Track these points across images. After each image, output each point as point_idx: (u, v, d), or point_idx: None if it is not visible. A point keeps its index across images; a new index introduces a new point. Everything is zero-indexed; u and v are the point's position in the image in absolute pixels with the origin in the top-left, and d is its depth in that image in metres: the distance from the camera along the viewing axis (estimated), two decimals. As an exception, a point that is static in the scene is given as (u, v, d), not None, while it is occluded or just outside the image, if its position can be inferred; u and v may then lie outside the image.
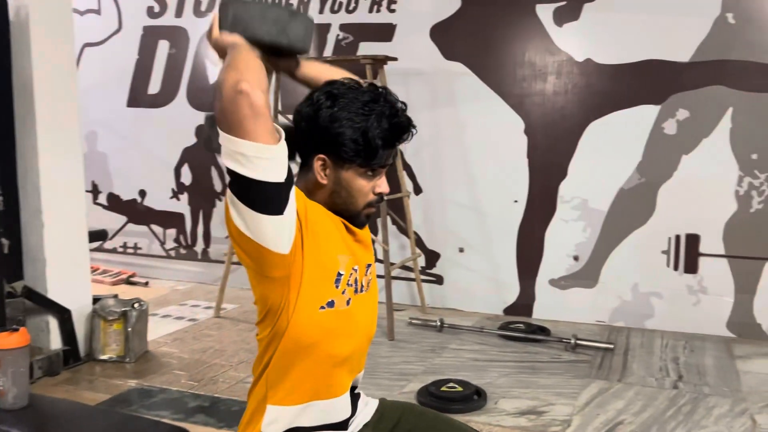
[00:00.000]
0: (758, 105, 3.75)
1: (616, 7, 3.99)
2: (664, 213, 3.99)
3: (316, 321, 1.28)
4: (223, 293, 4.43)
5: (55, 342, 3.43)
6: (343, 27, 4.68)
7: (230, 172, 1.15)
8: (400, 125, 1.30)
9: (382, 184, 1.34)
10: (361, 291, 1.37)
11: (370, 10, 4.58)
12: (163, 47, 5.26)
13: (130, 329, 3.52)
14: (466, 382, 3.06)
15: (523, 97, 4.25)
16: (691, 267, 3.99)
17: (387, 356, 3.63)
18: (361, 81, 1.34)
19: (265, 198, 1.15)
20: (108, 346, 3.52)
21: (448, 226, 4.54)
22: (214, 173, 5.20)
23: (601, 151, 4.08)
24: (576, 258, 4.23)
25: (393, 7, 4.52)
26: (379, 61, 4.13)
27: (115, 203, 5.60)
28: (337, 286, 1.30)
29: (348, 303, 1.32)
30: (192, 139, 5.22)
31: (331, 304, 1.29)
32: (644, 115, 3.96)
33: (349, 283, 1.33)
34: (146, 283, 5.23)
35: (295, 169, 1.31)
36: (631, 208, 4.06)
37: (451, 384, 3.03)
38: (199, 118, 5.15)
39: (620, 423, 2.76)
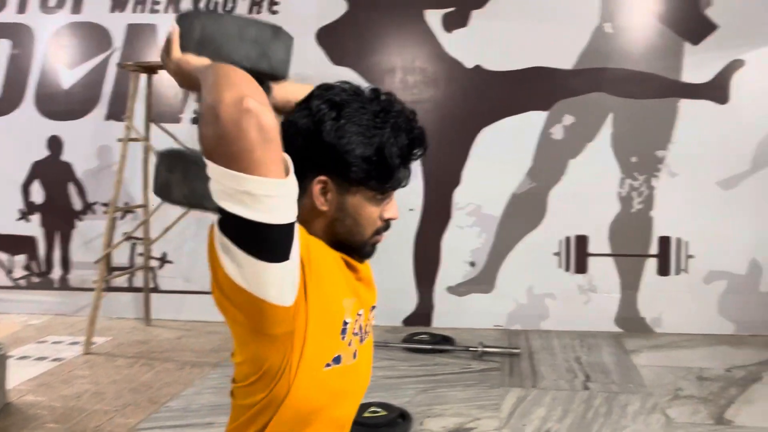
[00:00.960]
0: (635, 110, 3.97)
1: (503, 14, 4.04)
2: (554, 216, 4.10)
3: (320, 382, 1.03)
4: (94, 325, 3.90)
5: None
6: (220, 28, 4.34)
7: (227, 215, 0.88)
8: (419, 139, 1.08)
9: (392, 209, 1.11)
10: (365, 338, 1.14)
11: (250, 11, 4.28)
12: (3, 47, 4.56)
13: (-15, 380, 2.95)
14: (388, 404, 2.90)
15: (415, 104, 4.16)
16: (581, 267, 4.14)
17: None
18: (359, 86, 1.11)
19: (273, 243, 0.89)
20: (-44, 402, 2.93)
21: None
22: (71, 190, 4.60)
23: (492, 158, 4.11)
24: (473, 264, 4.23)
25: (275, 8, 4.26)
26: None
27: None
28: (343, 338, 1.06)
29: (355, 356, 1.09)
30: (43, 152, 4.58)
31: (337, 360, 1.05)
32: (533, 121, 4.05)
33: (355, 331, 1.09)
34: (-9, 320, 4.50)
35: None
36: (523, 213, 4.14)
37: (372, 408, 2.85)
38: (52, 127, 4.54)
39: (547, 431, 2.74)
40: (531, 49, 4.02)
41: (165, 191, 1.02)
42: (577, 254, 4.13)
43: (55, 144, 4.59)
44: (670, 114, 3.95)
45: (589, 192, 4.05)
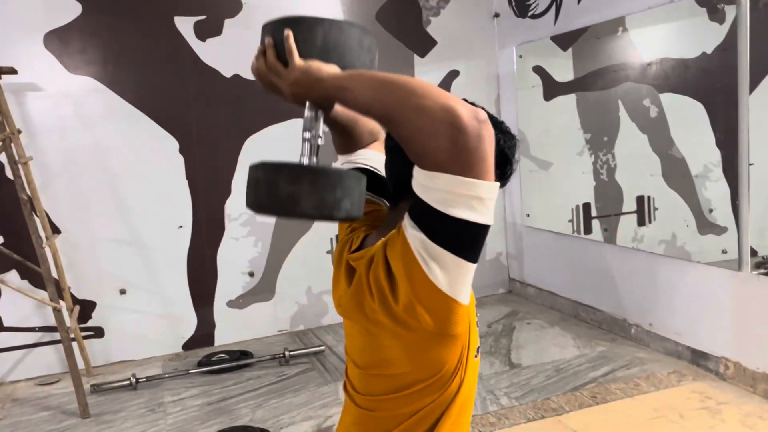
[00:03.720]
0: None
1: (255, 23, 4.07)
2: (323, 217, 4.32)
3: (473, 372, 1.09)
4: None
5: None
6: None
7: (451, 223, 0.90)
8: (516, 140, 1.18)
9: None
10: None
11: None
12: None
13: None
14: (245, 426, 2.77)
15: (174, 117, 3.94)
16: (351, 261, 4.45)
17: (104, 437, 2.93)
18: None
19: (481, 244, 0.95)
20: None
21: (102, 267, 3.87)
22: None
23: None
24: (251, 274, 4.20)
25: (-13, 5, 3.55)
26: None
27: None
28: (477, 328, 1.13)
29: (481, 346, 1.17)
30: None
31: (478, 350, 1.12)
32: (297, 127, 4.20)
33: (477, 322, 1.16)
34: None
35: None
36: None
37: (229, 435, 2.70)
38: None
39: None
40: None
41: (290, 204, 0.96)
42: (347, 250, 4.43)
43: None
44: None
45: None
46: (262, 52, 1.04)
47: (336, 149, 1.37)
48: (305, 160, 1.05)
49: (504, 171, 1.16)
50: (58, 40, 3.68)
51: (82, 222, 3.81)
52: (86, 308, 3.88)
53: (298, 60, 1.00)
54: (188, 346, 4.08)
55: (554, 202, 4.38)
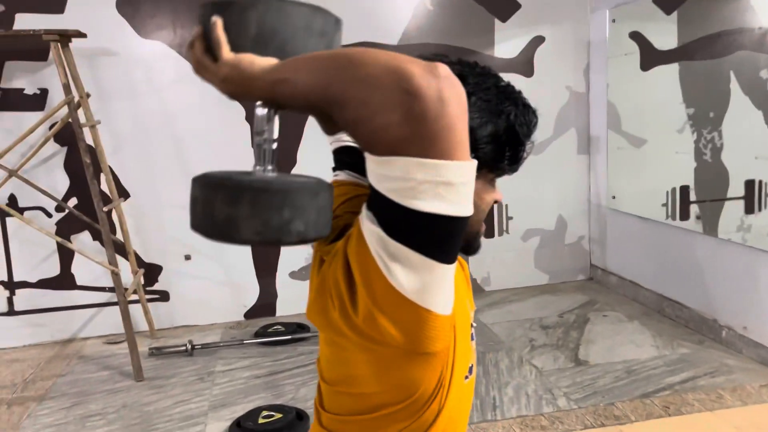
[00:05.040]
0: (457, 85, 4.16)
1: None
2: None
3: (462, 396, 0.91)
4: None
5: None
6: (-11, -9, 3.55)
7: (414, 217, 0.69)
8: (536, 115, 0.96)
9: (498, 192, 1.00)
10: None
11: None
12: None
13: None
14: (280, 405, 2.70)
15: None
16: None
17: (151, 402, 2.96)
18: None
19: (457, 241, 0.74)
20: None
21: (168, 233, 3.91)
22: None
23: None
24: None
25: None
26: (66, 38, 3.26)
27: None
28: (472, 343, 0.95)
29: (478, 362, 0.97)
30: None
31: (471, 369, 0.93)
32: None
33: (473, 336, 0.97)
34: None
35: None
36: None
37: (265, 413, 2.62)
38: None
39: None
40: (358, 24, 3.98)
41: (227, 230, 0.77)
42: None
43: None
44: (486, 87, 4.22)
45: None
46: (191, 44, 0.86)
47: (323, 131, 1.19)
48: (258, 170, 0.86)
49: (514, 154, 0.94)
50: (130, 4, 3.69)
51: (149, 187, 3.86)
52: (153, 272, 3.95)
53: (226, 54, 0.80)
54: (250, 315, 4.08)
55: (646, 183, 3.95)
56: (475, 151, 0.89)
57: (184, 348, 3.48)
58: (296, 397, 2.91)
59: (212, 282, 4.01)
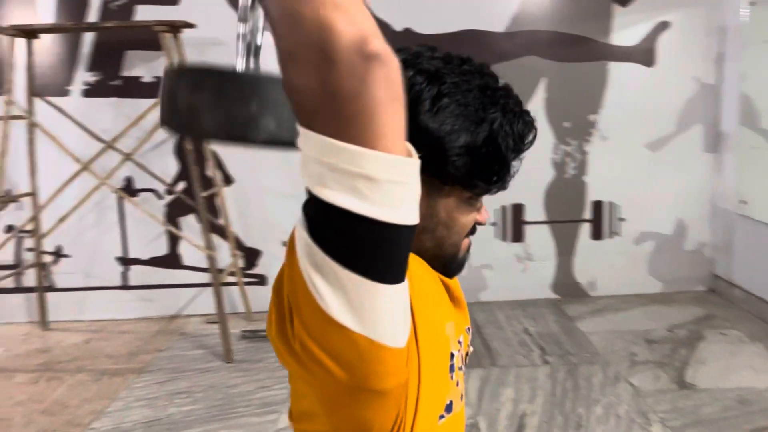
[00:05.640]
0: (568, 74, 3.90)
1: (432, -27, 3.80)
2: (491, 185, 3.98)
3: None
4: (-17, 338, 3.33)
5: None
6: (113, -15, 3.78)
7: (330, 212, 0.57)
8: (532, 126, 0.84)
9: (483, 211, 0.88)
10: (463, 372, 0.90)
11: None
12: None
13: None
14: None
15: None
16: (518, 235, 4.07)
17: (235, 384, 3.04)
18: (448, 52, 0.83)
19: (393, 254, 0.60)
20: None
21: (269, 219, 4.01)
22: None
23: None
24: (409, 239, 4.04)
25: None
26: (176, 28, 3.39)
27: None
28: (452, 377, 0.81)
29: (462, 398, 0.84)
30: None
31: (449, 407, 0.80)
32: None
33: (460, 366, 0.85)
34: None
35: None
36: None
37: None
38: None
39: (524, 415, 2.63)
40: (462, 10, 3.82)
41: (189, 119, 0.69)
42: (514, 223, 4.05)
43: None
44: (600, 77, 3.92)
45: (525, 159, 3.94)
46: None
47: None
48: (238, 65, 0.79)
49: (493, 170, 0.80)
50: (239, -5, 3.78)
51: (252, 173, 3.96)
52: (252, 256, 4.07)
53: None
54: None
55: (781, 188, 3.50)
56: (445, 163, 0.78)
57: (274, 333, 3.55)
58: (373, 393, 2.87)
59: (308, 269, 4.06)
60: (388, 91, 0.55)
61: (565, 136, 3.98)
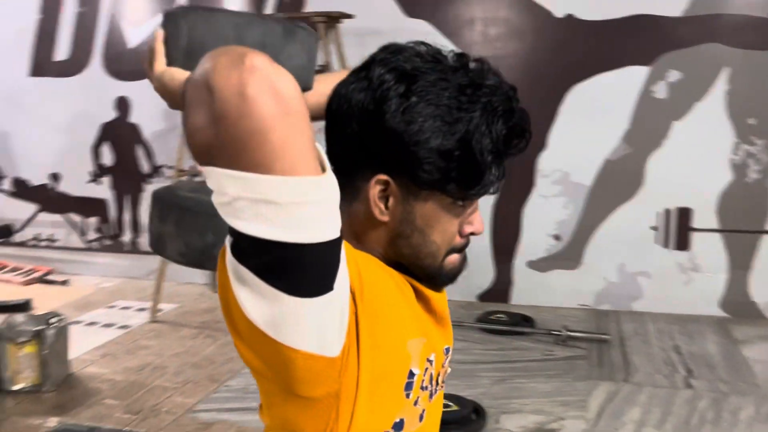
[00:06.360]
0: (756, 64, 3.41)
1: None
2: (653, 186, 3.63)
3: None
4: (160, 293, 3.81)
5: (-50, 375, 2.77)
6: (286, -21, 4.06)
7: (241, 236, 0.60)
8: (520, 128, 0.76)
9: (475, 221, 0.82)
10: (435, 393, 0.85)
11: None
12: (70, 5, 4.46)
13: (46, 352, 2.88)
14: (460, 397, 2.63)
15: (497, 59, 3.72)
16: (683, 243, 3.67)
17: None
18: (440, 49, 0.78)
19: (309, 271, 0.61)
20: (20, 373, 2.88)
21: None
22: (139, 152, 4.51)
23: (583, 119, 3.66)
24: (557, 237, 3.84)
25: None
26: (334, 19, 3.56)
27: (22, 189, 4.82)
28: (408, 395, 0.77)
29: (421, 418, 0.80)
30: (111, 113, 4.50)
31: (399, 426, 0.77)
32: (632, 77, 3.57)
33: (424, 385, 0.80)
34: (65, 282, 4.51)
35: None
36: (617, 181, 3.69)
37: (443, 401, 2.58)
38: (120, 88, 4.43)
39: (644, 439, 2.40)
40: (632, -7, 3.51)
41: (159, 246, 0.76)
42: (679, 229, 3.66)
43: (122, 105, 4.49)
44: (798, 67, 3.37)
45: (696, 159, 3.54)
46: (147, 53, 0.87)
47: None
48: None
49: (467, 174, 0.74)
50: (399, -17, 3.86)
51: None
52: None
53: (157, 67, 0.82)
54: (484, 297, 4.02)
55: None
56: (415, 167, 0.73)
57: (407, 318, 3.61)
58: (488, 392, 2.80)
59: (450, 259, 4.05)
60: (277, 105, 0.55)
61: (749, 134, 3.48)
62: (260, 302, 0.62)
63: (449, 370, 0.91)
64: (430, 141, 0.72)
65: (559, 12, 3.62)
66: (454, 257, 0.82)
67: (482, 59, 0.78)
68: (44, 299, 3.98)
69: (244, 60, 0.55)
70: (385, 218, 0.77)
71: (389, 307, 0.76)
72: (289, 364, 0.66)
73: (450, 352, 0.91)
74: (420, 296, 0.83)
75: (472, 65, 0.76)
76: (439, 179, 0.73)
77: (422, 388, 0.80)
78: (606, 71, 3.59)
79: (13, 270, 4.63)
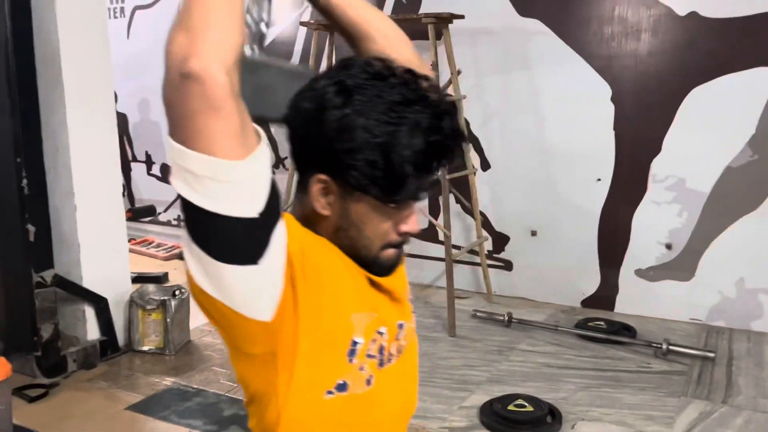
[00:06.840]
0: None
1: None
2: (780, 196, 3.36)
3: (319, 413, 0.89)
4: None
5: (93, 332, 3.21)
6: (404, -19, 4.19)
7: (179, 197, 0.75)
8: (441, 145, 0.84)
9: (410, 221, 0.91)
10: (389, 362, 0.96)
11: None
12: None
13: (169, 320, 3.26)
14: (536, 399, 2.64)
15: (611, 59, 3.65)
16: (812, 261, 3.36)
17: (447, 357, 3.24)
18: (396, 65, 0.88)
19: (227, 240, 0.75)
20: (147, 336, 3.29)
21: (520, 207, 4.05)
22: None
23: (704, 123, 3.46)
24: (669, 246, 3.66)
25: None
26: (443, 20, 3.64)
27: (168, 174, 5.38)
28: (351, 360, 0.90)
29: (369, 383, 0.92)
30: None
31: (342, 387, 0.89)
32: (759, 79, 3.31)
33: (370, 353, 0.92)
34: (198, 260, 4.99)
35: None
36: (739, 190, 3.44)
37: (519, 401, 2.61)
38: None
39: (728, 464, 2.28)
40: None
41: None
42: (809, 245, 3.35)
43: None
44: None
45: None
46: None
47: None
48: (246, 51, 0.96)
49: (388, 184, 0.84)
50: (513, -17, 3.85)
51: (508, 160, 4.04)
52: (501, 241, 4.16)
53: None
54: (587, 303, 3.93)
55: None
56: (346, 174, 0.84)
57: (502, 318, 3.63)
58: (570, 397, 2.77)
59: (554, 261, 3.99)
60: (201, 103, 0.70)
61: None
62: (198, 264, 0.77)
63: (404, 343, 1.00)
64: (359, 150, 0.82)
65: (681, 9, 3.43)
66: (389, 251, 0.92)
67: (429, 78, 0.87)
68: (179, 274, 4.45)
69: (189, 63, 0.68)
70: (327, 212, 0.88)
71: (333, 284, 0.88)
72: (229, 323, 0.81)
73: (404, 327, 1.01)
74: (371, 279, 0.94)
75: (414, 85, 0.84)
76: (366, 184, 0.84)
77: (368, 356, 0.91)
78: (731, 73, 3.36)
79: (158, 246, 5.21)
